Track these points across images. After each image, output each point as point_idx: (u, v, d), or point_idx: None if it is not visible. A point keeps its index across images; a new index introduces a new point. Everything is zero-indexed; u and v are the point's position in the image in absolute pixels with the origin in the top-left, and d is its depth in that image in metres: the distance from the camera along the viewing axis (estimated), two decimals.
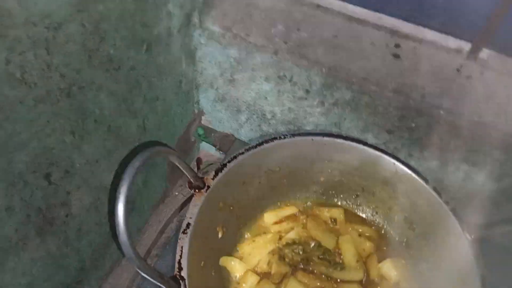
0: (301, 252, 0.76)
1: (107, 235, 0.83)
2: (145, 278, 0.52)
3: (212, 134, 1.07)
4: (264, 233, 0.78)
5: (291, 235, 0.78)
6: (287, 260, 0.75)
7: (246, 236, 0.78)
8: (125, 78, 0.69)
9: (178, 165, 0.60)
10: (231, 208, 0.74)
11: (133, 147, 0.78)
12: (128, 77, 0.70)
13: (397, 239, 0.79)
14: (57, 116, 0.58)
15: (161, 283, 0.54)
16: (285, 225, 0.79)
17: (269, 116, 0.96)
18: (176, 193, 1.07)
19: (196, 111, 1.04)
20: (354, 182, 0.81)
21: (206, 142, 1.07)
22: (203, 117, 1.07)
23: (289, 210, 0.82)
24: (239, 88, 0.94)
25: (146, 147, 0.56)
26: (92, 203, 0.75)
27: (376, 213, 0.83)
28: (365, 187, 0.81)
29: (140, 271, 0.51)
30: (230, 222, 0.74)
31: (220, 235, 0.72)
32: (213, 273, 0.70)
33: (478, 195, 0.88)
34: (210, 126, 1.08)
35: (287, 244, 0.77)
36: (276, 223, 0.80)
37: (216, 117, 1.05)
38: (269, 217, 0.81)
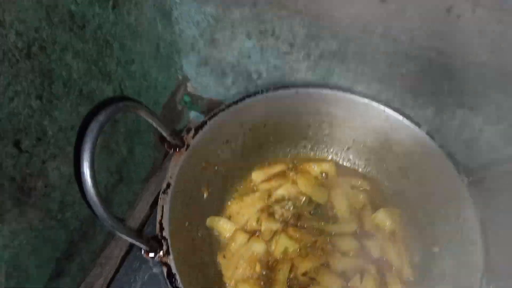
0: (291, 208, 0.73)
1: None
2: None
3: (199, 101, 1.03)
4: (253, 192, 0.75)
5: (280, 191, 0.75)
6: (277, 217, 0.73)
7: (233, 195, 0.76)
8: (92, 38, 0.66)
9: (151, 121, 0.57)
10: (216, 167, 0.71)
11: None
12: (96, 38, 0.66)
13: (391, 189, 0.76)
14: (18, 78, 0.55)
15: (140, 243, 0.52)
16: (274, 183, 0.76)
17: (255, 76, 0.92)
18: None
19: (180, 77, 1.00)
20: (344, 134, 0.77)
21: (194, 110, 1.03)
22: (188, 84, 1.04)
23: (278, 168, 0.79)
24: (221, 48, 0.90)
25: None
26: (72, 173, 0.72)
27: (369, 164, 0.80)
28: (356, 139, 0.77)
29: (115, 232, 0.48)
30: (215, 182, 0.71)
31: (205, 196, 0.69)
32: (199, 234, 0.67)
33: (476, 142, 0.85)
34: (196, 93, 1.04)
35: (277, 201, 0.74)
36: (264, 181, 0.77)
37: (202, 83, 1.01)
38: (257, 176, 0.78)
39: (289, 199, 0.74)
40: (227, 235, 0.70)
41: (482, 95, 0.77)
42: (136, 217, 0.96)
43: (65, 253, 0.76)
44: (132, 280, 0.74)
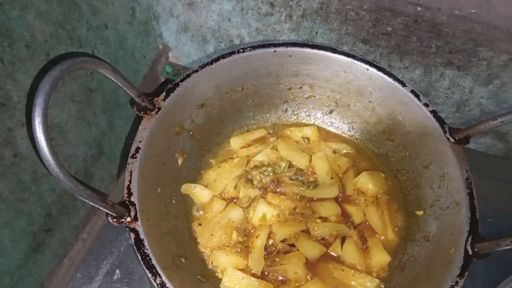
0: (270, 174, 0.70)
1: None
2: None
3: (181, 71, 1.00)
4: (230, 158, 0.72)
5: (259, 157, 0.72)
6: (255, 183, 0.70)
7: (211, 162, 0.73)
8: None
9: (115, 80, 0.53)
10: (191, 133, 0.68)
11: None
12: None
13: (375, 152, 0.73)
14: None
15: (104, 208, 0.49)
16: (253, 149, 0.74)
17: (236, 41, 0.88)
18: None
19: (160, 46, 0.96)
20: (326, 96, 0.74)
21: (175, 80, 1.00)
22: (170, 54, 1.00)
23: (258, 133, 0.76)
24: (200, 12, 0.86)
25: None
26: None
27: (353, 127, 0.77)
28: (339, 101, 0.74)
29: (73, 193, 0.46)
30: (191, 148, 0.68)
31: (180, 162, 0.67)
32: (173, 201, 0.65)
33: (466, 103, 0.81)
34: (178, 63, 1.01)
35: (255, 167, 0.71)
36: (243, 147, 0.74)
37: (183, 52, 0.98)
38: (235, 142, 0.75)
39: (268, 165, 0.71)
40: (203, 202, 0.68)
41: (471, 53, 0.73)
42: (118, 191, 0.94)
43: (42, 227, 0.74)
44: (108, 252, 0.72)
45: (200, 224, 0.65)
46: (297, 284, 0.62)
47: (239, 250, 0.63)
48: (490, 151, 0.86)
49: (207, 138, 0.72)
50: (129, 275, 0.68)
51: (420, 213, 0.65)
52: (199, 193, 0.68)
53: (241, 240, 0.65)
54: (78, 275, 0.68)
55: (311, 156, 0.73)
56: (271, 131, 0.77)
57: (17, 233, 0.69)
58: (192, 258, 0.60)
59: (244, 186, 0.68)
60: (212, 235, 0.63)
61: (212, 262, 0.63)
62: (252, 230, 0.66)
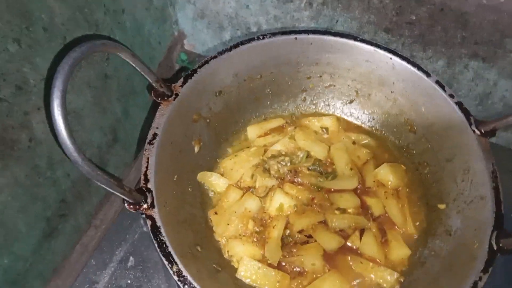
0: (288, 164, 0.69)
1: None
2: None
3: (197, 59, 0.98)
4: (247, 147, 0.71)
5: (277, 146, 0.71)
6: (272, 172, 0.69)
7: (228, 151, 0.71)
8: None
9: (134, 65, 0.52)
10: (208, 121, 0.67)
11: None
12: None
13: (396, 143, 0.71)
14: None
15: (121, 194, 0.48)
16: (270, 138, 0.72)
17: (254, 29, 0.87)
18: None
19: (176, 33, 0.95)
20: (346, 86, 0.72)
21: (190, 68, 0.99)
22: (185, 41, 0.99)
23: (275, 122, 0.74)
24: None
25: None
26: None
27: (373, 118, 0.75)
28: (360, 91, 0.72)
29: (90, 177, 0.45)
30: (207, 136, 0.67)
31: (196, 150, 0.66)
32: (190, 189, 0.64)
33: (490, 96, 0.79)
34: (193, 51, 1.00)
35: (273, 157, 0.70)
36: (260, 136, 0.73)
37: (199, 39, 0.96)
38: (252, 131, 0.74)
39: (286, 155, 0.70)
40: (219, 191, 0.67)
41: (497, 44, 0.71)
42: (132, 179, 0.94)
43: (57, 212, 0.74)
44: (122, 239, 0.71)
45: (216, 213, 0.64)
46: (314, 275, 0.61)
47: (255, 240, 0.62)
48: None
49: (224, 127, 0.70)
50: (143, 263, 0.68)
51: (442, 206, 0.64)
52: (215, 181, 0.67)
53: (258, 230, 0.64)
54: (92, 261, 0.68)
55: (329, 147, 0.72)
56: (288, 121, 0.75)
57: (32, 218, 0.69)
58: (208, 247, 0.59)
59: (261, 176, 0.67)
60: (228, 224, 0.63)
61: (228, 251, 0.62)
62: (269, 220, 0.65)
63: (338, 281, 0.60)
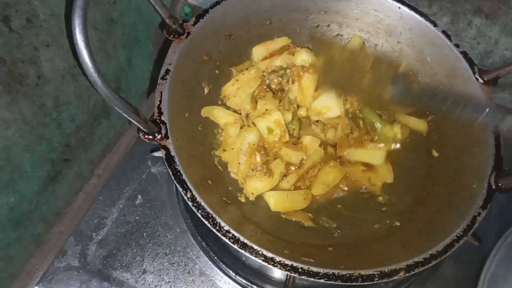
0: (288, 75, 0.70)
1: (92, 113, 0.78)
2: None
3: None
4: (247, 69, 0.71)
5: (277, 62, 0.71)
6: (273, 86, 0.69)
7: (231, 70, 0.72)
8: None
9: None
10: (217, 63, 0.67)
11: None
12: None
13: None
14: None
15: (137, 122, 0.49)
16: (274, 61, 0.72)
17: None
18: None
19: None
20: (353, 35, 0.73)
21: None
22: None
23: (281, 42, 0.73)
24: None
25: None
26: (67, 69, 0.69)
27: None
28: (367, 41, 0.73)
29: (109, 102, 0.46)
30: (216, 78, 0.68)
31: (206, 91, 0.66)
32: (199, 128, 0.64)
33: (491, 55, 0.81)
34: (197, 5, 0.99)
35: (273, 71, 0.70)
36: (265, 58, 0.72)
37: None
38: (257, 51, 0.72)
39: (287, 67, 0.70)
40: (224, 122, 0.68)
41: (501, 0, 0.72)
42: (134, 131, 0.94)
43: (61, 156, 0.74)
44: (129, 179, 0.72)
45: (224, 150, 0.65)
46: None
47: (265, 170, 0.64)
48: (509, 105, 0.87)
49: (230, 69, 0.71)
50: (151, 201, 0.69)
51: (436, 154, 0.67)
52: (218, 114, 0.67)
53: (264, 160, 0.66)
54: (100, 198, 0.69)
55: None
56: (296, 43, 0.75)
57: (37, 159, 0.69)
58: (217, 181, 0.61)
59: (261, 97, 0.68)
60: (239, 163, 0.64)
61: (252, 193, 0.64)
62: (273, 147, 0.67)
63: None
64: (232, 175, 0.66)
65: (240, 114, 0.68)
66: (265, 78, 0.69)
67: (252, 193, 0.63)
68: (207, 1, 0.96)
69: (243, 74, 0.69)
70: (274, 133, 0.66)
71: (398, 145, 0.69)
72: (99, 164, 0.87)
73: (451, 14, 0.77)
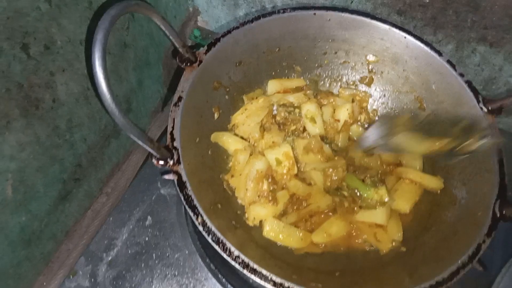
0: (297, 115, 0.71)
1: (103, 134, 0.80)
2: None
3: (210, 36, 1.00)
4: (255, 98, 0.72)
5: (290, 98, 0.72)
6: (278, 118, 0.71)
7: (243, 99, 0.74)
8: None
9: (164, 28, 0.54)
10: (227, 90, 0.69)
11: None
12: None
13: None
14: None
15: (151, 149, 0.50)
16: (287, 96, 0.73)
17: (269, 6, 0.89)
18: None
19: (191, 9, 0.97)
20: (360, 63, 0.75)
21: (203, 45, 1.00)
22: (199, 18, 1.01)
23: (297, 82, 0.75)
24: None
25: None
26: (81, 92, 0.71)
27: (384, 95, 0.77)
28: (373, 69, 0.75)
29: (126, 131, 0.47)
30: (226, 104, 0.69)
31: (216, 116, 0.68)
32: (209, 152, 0.66)
33: (495, 81, 0.82)
34: (206, 27, 1.01)
35: (283, 105, 0.72)
36: (279, 92, 0.74)
37: (213, 16, 0.98)
38: (273, 85, 0.75)
39: (297, 107, 0.72)
40: (232, 149, 0.69)
41: (506, 29, 0.74)
42: (143, 150, 0.95)
43: (72, 176, 0.76)
44: (139, 200, 0.73)
45: (232, 176, 0.66)
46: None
47: (270, 198, 0.65)
48: None
49: (241, 96, 0.73)
50: (160, 222, 0.70)
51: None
52: (227, 140, 0.69)
53: (271, 188, 0.66)
54: (110, 219, 0.70)
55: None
56: (309, 84, 0.76)
57: (50, 179, 0.71)
58: (227, 206, 0.62)
59: (268, 131, 0.69)
60: (246, 189, 0.65)
61: (254, 218, 0.64)
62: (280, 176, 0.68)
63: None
64: (239, 200, 0.67)
65: (248, 141, 0.70)
66: (273, 108, 0.71)
67: (253, 218, 0.64)
68: (217, 24, 0.99)
69: (251, 103, 0.70)
70: (282, 165, 0.67)
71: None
72: (108, 183, 0.88)
73: (455, 42, 0.79)
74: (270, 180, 0.66)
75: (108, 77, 0.45)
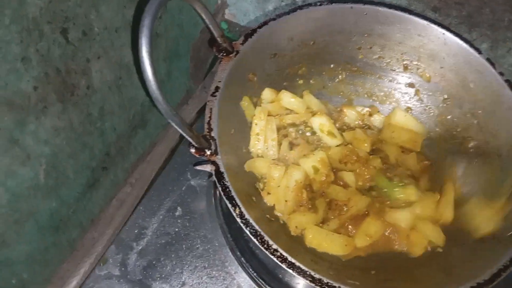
0: (306, 133, 0.71)
1: (131, 123, 0.80)
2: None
3: (237, 29, 1.00)
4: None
5: (288, 120, 0.72)
6: (290, 139, 0.71)
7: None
8: None
9: (205, 17, 0.54)
10: (261, 81, 0.68)
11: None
12: None
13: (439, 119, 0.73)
14: None
15: (191, 137, 0.50)
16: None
17: (299, 0, 0.88)
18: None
19: (219, 1, 0.96)
20: (395, 59, 0.73)
21: (230, 37, 1.00)
22: (226, 11, 1.00)
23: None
24: None
25: None
26: (113, 80, 0.71)
27: (419, 92, 0.76)
28: (408, 65, 0.74)
29: (167, 118, 0.47)
30: (258, 96, 0.69)
31: None
32: (244, 149, 0.65)
33: None
34: (234, 21, 1.01)
35: (289, 125, 0.72)
36: (273, 102, 0.73)
37: (241, 9, 0.97)
38: (267, 94, 0.72)
39: (300, 124, 0.72)
40: (264, 172, 0.67)
41: None
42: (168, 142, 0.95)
43: (101, 164, 0.76)
44: (170, 190, 0.73)
45: (269, 193, 0.65)
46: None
47: (310, 206, 0.64)
48: None
49: (274, 89, 0.72)
50: (190, 213, 0.70)
51: None
52: (259, 165, 0.67)
53: (310, 196, 0.66)
54: (141, 208, 0.70)
55: None
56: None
57: (80, 166, 0.71)
58: (261, 199, 0.61)
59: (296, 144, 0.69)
60: (286, 201, 0.64)
61: (296, 227, 0.63)
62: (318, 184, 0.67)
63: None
64: (279, 214, 0.65)
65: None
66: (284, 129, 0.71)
67: (296, 227, 0.63)
68: (245, 18, 0.98)
69: (256, 124, 0.68)
70: (320, 172, 0.66)
71: None
72: (133, 173, 0.88)
73: (491, 41, 0.77)
74: (308, 189, 0.65)
75: (154, 64, 0.44)
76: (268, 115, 0.69)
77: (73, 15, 0.57)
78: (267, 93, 0.72)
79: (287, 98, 0.72)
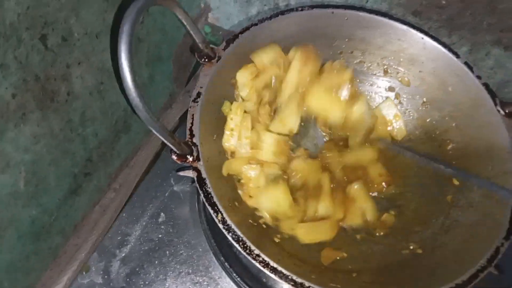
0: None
1: (113, 129, 0.80)
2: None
3: (220, 33, 1.00)
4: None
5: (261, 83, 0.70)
6: (265, 100, 0.70)
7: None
8: None
9: (185, 23, 0.54)
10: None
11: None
12: None
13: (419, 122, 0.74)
14: None
15: (172, 144, 0.50)
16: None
17: (282, 5, 0.88)
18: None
19: (202, 5, 0.96)
20: (376, 64, 0.74)
21: (213, 41, 1.00)
22: (209, 14, 1.00)
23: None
24: None
25: None
26: (95, 86, 0.70)
27: (398, 96, 0.77)
28: (389, 70, 0.75)
29: (148, 125, 0.47)
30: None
31: None
32: (226, 155, 0.65)
33: (508, 85, 0.82)
34: (217, 24, 1.01)
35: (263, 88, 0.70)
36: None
37: (225, 13, 0.97)
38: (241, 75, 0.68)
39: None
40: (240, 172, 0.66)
41: None
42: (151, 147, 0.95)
43: (83, 170, 0.75)
44: (152, 196, 0.73)
45: (250, 196, 0.64)
46: None
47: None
48: None
49: None
50: (173, 219, 0.70)
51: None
52: (235, 167, 0.65)
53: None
54: (124, 215, 0.70)
55: None
56: None
57: (61, 173, 0.70)
58: (243, 204, 0.61)
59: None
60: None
61: (292, 229, 0.64)
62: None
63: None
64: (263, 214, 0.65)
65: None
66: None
67: (292, 229, 0.63)
68: (228, 22, 0.99)
69: (231, 119, 0.66)
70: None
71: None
72: (116, 178, 0.88)
73: (470, 44, 0.79)
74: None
75: (134, 70, 0.44)
76: (245, 112, 0.68)
77: (52, 21, 0.56)
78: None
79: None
